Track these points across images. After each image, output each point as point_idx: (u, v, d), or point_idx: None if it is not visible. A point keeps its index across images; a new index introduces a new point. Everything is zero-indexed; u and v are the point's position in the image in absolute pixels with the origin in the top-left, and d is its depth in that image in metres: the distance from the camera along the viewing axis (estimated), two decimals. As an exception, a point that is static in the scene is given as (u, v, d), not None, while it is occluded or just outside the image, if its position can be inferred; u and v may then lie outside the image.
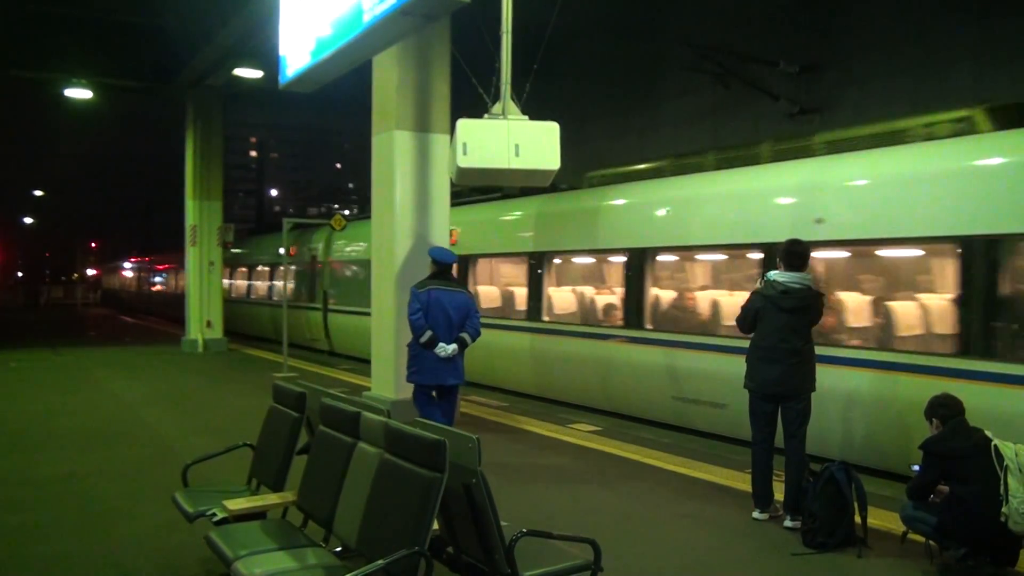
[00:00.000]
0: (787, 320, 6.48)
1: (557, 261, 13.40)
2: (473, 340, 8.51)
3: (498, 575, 3.98)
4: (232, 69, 19.37)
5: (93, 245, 77.89)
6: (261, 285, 26.30)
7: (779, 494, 6.68)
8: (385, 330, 10.47)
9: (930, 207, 8.07)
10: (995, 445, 5.18)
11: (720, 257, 11.41)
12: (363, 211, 24.74)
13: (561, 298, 13.19)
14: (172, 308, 32.68)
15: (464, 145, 8.23)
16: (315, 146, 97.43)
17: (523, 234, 13.82)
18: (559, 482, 7.97)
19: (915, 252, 8.90)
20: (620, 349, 11.43)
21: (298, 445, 5.38)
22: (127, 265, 55.79)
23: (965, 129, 8.67)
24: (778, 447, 6.68)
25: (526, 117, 8.55)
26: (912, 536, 5.73)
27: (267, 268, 25.63)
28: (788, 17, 18.67)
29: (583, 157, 19.67)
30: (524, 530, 4.00)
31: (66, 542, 6.21)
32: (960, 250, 7.78)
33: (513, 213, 14.57)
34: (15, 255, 77.36)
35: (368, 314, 11.37)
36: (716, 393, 9.80)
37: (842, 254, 9.30)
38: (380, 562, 3.62)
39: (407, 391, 10.70)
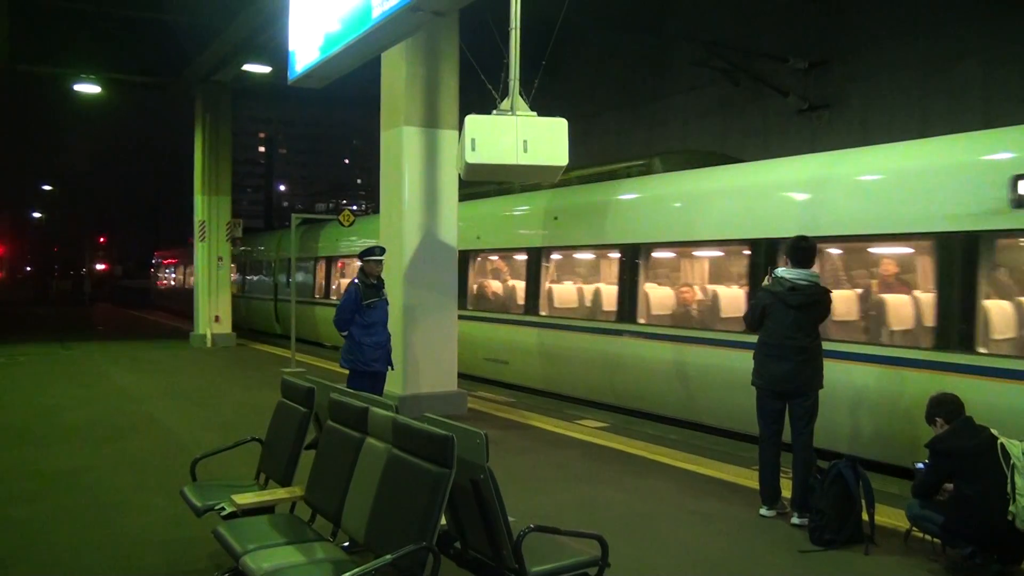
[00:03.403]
0: (795, 317, 6.48)
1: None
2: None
3: (505, 570, 3.99)
4: (241, 64, 19.42)
5: (101, 240, 78.08)
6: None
7: (786, 491, 6.67)
8: (393, 326, 10.49)
9: None
10: (1001, 444, 5.17)
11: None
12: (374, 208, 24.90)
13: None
14: None
15: (472, 141, 8.23)
16: (323, 141, 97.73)
17: None
18: (566, 478, 7.98)
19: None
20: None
21: (306, 440, 5.39)
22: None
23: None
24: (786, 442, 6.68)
25: (534, 113, 8.54)
26: (915, 533, 5.73)
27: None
28: (796, 13, 18.61)
29: (592, 153, 19.66)
30: (532, 526, 4.01)
31: (74, 535, 6.24)
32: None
33: None
34: (24, 249, 77.62)
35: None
36: None
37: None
38: (388, 557, 3.63)
39: (415, 387, 10.80)
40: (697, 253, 11.43)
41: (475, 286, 14.92)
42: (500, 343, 13.80)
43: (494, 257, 15.18)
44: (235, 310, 26.49)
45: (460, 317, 14.31)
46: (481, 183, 14.12)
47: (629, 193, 11.96)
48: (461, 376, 12.27)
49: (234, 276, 28.55)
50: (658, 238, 11.18)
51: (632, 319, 11.17)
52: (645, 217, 11.46)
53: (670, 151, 13.00)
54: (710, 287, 11.07)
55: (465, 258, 14.35)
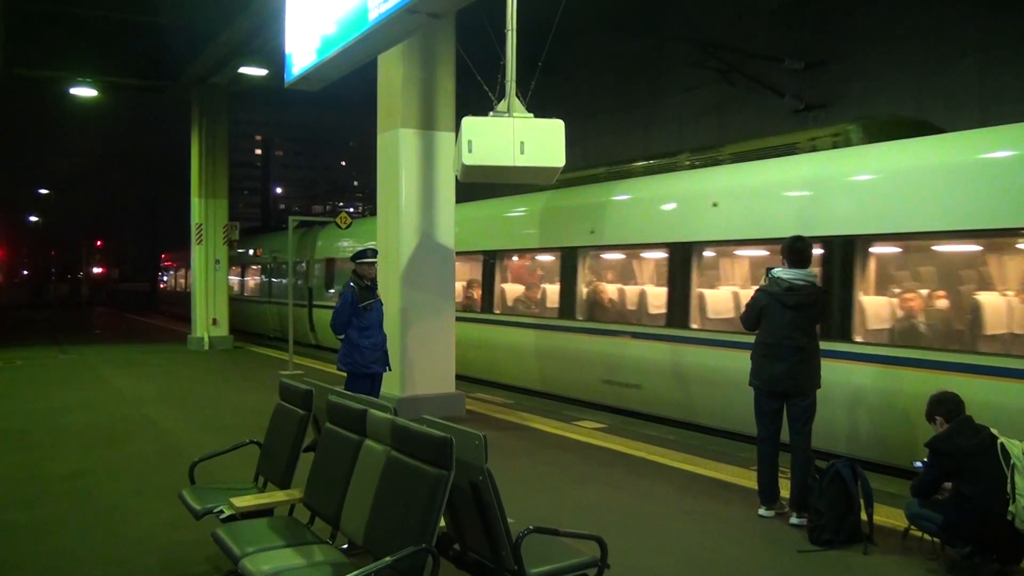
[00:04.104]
0: (792, 317, 6.49)
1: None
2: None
3: (505, 572, 3.98)
4: (237, 67, 19.44)
5: (99, 243, 78.03)
6: None
7: (785, 491, 6.68)
8: (391, 328, 10.49)
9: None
10: (1001, 443, 5.17)
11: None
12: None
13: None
14: None
15: (469, 143, 8.24)
16: (320, 144, 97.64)
17: None
18: (565, 479, 7.97)
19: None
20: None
21: (305, 443, 5.39)
22: None
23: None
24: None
25: (531, 115, 8.55)
26: (913, 532, 5.74)
27: None
28: (792, 13, 18.65)
29: (588, 153, 19.69)
30: (531, 527, 4.01)
31: (72, 540, 6.23)
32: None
33: None
34: (21, 253, 77.57)
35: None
36: None
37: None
38: (387, 559, 3.63)
39: (413, 389, 10.80)
40: (944, 248, 8.65)
41: (584, 290, 12.45)
42: (628, 362, 11.32)
43: (615, 255, 12.75)
44: (258, 318, 26.17)
45: (565, 329, 12.35)
46: (595, 164, 12.97)
47: (836, 169, 9.15)
48: (568, 400, 11.80)
49: (258, 280, 27.89)
50: (884, 228, 8.37)
51: (845, 335, 8.42)
52: (862, 201, 8.60)
53: (869, 117, 10.45)
54: (966, 294, 8.24)
55: (572, 257, 12.47)
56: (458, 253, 15.21)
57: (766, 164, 10.07)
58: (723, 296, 10.66)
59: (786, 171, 9.77)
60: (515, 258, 14.78)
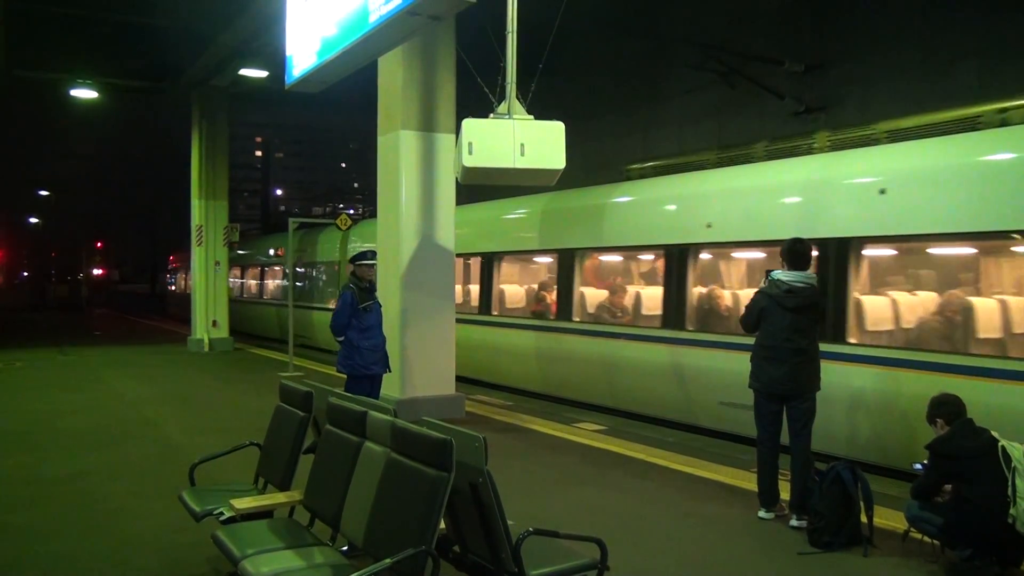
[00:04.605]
0: (792, 319, 6.48)
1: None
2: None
3: (505, 574, 3.98)
4: (237, 69, 19.44)
5: (99, 245, 78.03)
6: None
7: (785, 493, 6.67)
8: (391, 330, 10.50)
9: None
10: (1002, 446, 5.17)
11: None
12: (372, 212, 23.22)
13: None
14: None
15: (470, 145, 8.25)
16: (320, 146, 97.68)
17: None
18: (565, 481, 7.97)
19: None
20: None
21: (305, 444, 5.39)
22: None
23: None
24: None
25: (531, 117, 8.56)
26: (913, 534, 5.73)
27: None
28: (793, 16, 18.65)
29: (588, 156, 19.68)
30: (531, 529, 4.01)
31: (72, 541, 6.23)
32: None
33: None
34: (21, 255, 77.52)
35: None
36: None
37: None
38: (387, 561, 3.63)
39: (413, 391, 10.80)
40: None
41: (695, 296, 10.59)
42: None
43: (739, 254, 10.92)
44: (274, 321, 25.73)
45: (669, 341, 10.68)
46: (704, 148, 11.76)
47: None
48: (677, 426, 10.73)
49: (277, 282, 26.89)
50: None
51: None
52: None
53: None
54: None
55: (682, 256, 10.60)
56: (518, 252, 14.55)
57: (949, 141, 8.31)
58: (883, 303, 8.81)
59: (980, 148, 8.02)
60: (600, 257, 12.96)
